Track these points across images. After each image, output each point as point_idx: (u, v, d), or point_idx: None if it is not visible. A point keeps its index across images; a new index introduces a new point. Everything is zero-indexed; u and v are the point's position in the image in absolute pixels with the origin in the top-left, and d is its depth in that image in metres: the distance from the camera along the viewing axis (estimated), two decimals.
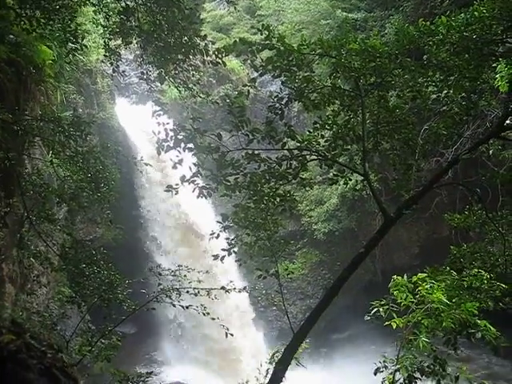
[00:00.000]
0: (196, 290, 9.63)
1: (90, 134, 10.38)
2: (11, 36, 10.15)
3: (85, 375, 11.26)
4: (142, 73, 11.34)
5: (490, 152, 11.46)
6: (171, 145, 6.57)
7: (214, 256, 7.69)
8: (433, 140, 9.35)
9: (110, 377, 10.07)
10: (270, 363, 9.06)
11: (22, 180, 10.55)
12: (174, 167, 6.68)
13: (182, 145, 6.62)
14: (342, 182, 8.51)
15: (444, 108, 9.25)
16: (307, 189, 25.00)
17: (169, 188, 7.00)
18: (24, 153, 11.66)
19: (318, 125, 7.62)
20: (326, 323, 25.16)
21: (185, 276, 9.93)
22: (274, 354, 9.30)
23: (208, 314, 9.64)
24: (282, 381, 7.08)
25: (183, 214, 23.37)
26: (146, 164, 10.83)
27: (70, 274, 10.50)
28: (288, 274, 8.30)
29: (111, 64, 11.47)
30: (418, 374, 7.13)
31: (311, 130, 7.63)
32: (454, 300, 7.33)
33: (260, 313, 24.68)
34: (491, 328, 6.88)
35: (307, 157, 7.41)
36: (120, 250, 20.27)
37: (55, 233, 12.45)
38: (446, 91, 8.74)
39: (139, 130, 22.08)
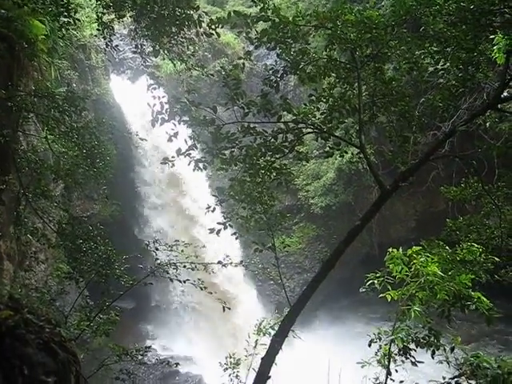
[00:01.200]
0: (193, 265, 9.66)
1: (84, 109, 10.32)
2: (2, 10, 9.96)
3: (84, 350, 11.34)
4: (136, 46, 11.23)
5: (487, 125, 11.43)
6: (166, 118, 6.53)
7: (210, 230, 7.70)
8: (429, 112, 9.32)
9: (109, 351, 10.16)
10: (258, 334, 9.14)
11: (17, 157, 10.50)
12: (170, 140, 6.64)
13: (177, 118, 6.59)
14: (338, 156, 8.48)
15: (441, 80, 9.19)
16: (304, 163, 25.17)
17: (165, 160, 6.96)
18: (19, 129, 11.57)
19: (313, 97, 7.58)
20: (324, 296, 25.43)
21: (182, 251, 9.95)
22: (260, 325, 9.37)
23: (205, 288, 9.67)
24: (278, 352, 7.15)
25: (180, 191, 23.42)
26: (142, 139, 10.79)
27: (68, 250, 10.51)
28: (284, 248, 8.29)
29: (104, 38, 11.33)
30: (412, 345, 7.19)
31: (307, 103, 7.59)
32: (448, 273, 7.36)
33: (258, 287, 24.87)
34: (484, 300, 6.92)
35: (303, 130, 7.37)
36: (117, 226, 20.34)
37: (52, 209, 12.45)
38: (442, 63, 8.68)
39: (135, 106, 21.93)
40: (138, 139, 11.02)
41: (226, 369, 9.47)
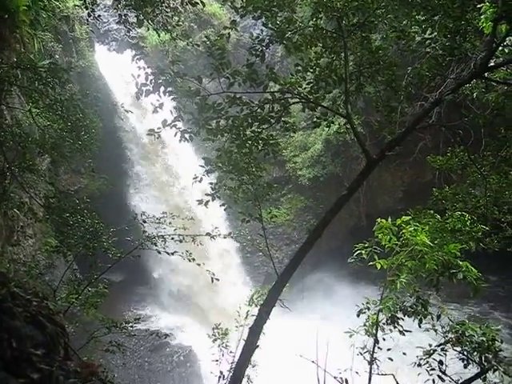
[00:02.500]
0: (181, 237, 9.67)
1: (68, 81, 10.17)
2: None
3: (74, 323, 11.39)
4: (120, 15, 11.01)
5: (474, 95, 11.38)
6: (151, 89, 6.45)
7: (198, 201, 7.67)
8: (416, 82, 9.27)
9: (99, 325, 10.22)
10: (249, 305, 9.19)
11: (1, 131, 10.36)
12: (155, 111, 6.57)
13: (162, 89, 6.50)
14: (325, 126, 8.46)
15: (428, 50, 9.13)
16: (291, 134, 25.11)
17: (150, 132, 6.89)
18: (2, 103, 11.40)
19: (300, 67, 7.51)
20: (312, 267, 25.64)
21: (170, 223, 9.95)
22: (252, 296, 9.42)
23: (193, 259, 9.70)
24: (266, 322, 7.20)
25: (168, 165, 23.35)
26: (127, 111, 10.67)
27: (55, 224, 10.48)
28: (271, 218, 8.29)
29: (86, 8, 11.11)
30: (400, 314, 7.27)
31: (294, 74, 7.52)
32: (436, 242, 7.41)
33: (246, 258, 24.99)
34: (472, 269, 6.98)
35: (289, 100, 7.31)
36: (105, 200, 20.26)
37: (39, 184, 12.35)
38: (429, 32, 8.61)
39: (120, 79, 21.67)
40: (123, 111, 10.84)
41: (215, 339, 9.54)
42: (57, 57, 18.69)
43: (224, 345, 9.35)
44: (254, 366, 9.09)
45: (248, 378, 8.93)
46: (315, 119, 8.05)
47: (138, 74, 6.61)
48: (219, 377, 8.19)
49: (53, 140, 11.08)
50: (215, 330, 9.56)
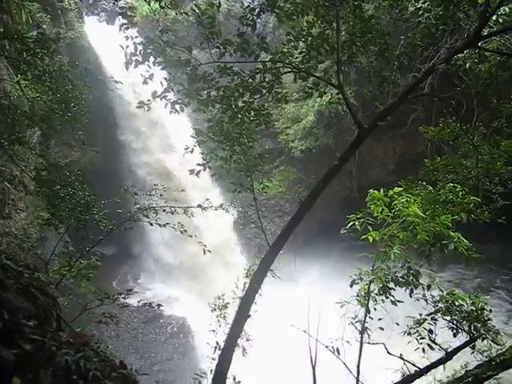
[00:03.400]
0: (172, 209, 9.64)
1: (56, 51, 10.00)
2: None
3: (67, 295, 11.41)
4: None
5: (467, 66, 11.34)
6: (140, 59, 6.34)
7: (189, 171, 7.62)
8: (409, 51, 9.20)
9: (92, 297, 10.25)
10: (247, 277, 9.23)
11: None
12: (145, 82, 6.48)
13: (152, 59, 6.40)
14: (317, 97, 8.39)
15: (421, 19, 9.02)
16: (283, 106, 24.90)
17: (140, 104, 6.81)
18: None
19: (291, 36, 7.41)
20: (304, 239, 25.75)
21: (161, 195, 9.92)
22: (250, 268, 9.46)
23: (185, 231, 9.70)
24: (257, 292, 7.24)
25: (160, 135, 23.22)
26: (117, 82, 10.54)
27: (46, 197, 10.42)
28: (263, 189, 8.26)
29: None
30: (391, 284, 7.34)
31: (285, 43, 7.43)
32: (428, 213, 7.44)
33: (239, 231, 25.05)
34: (464, 240, 7.03)
35: (281, 69, 7.23)
36: (97, 173, 20.17)
37: (29, 157, 12.27)
38: (422, 1, 8.52)
39: (110, 50, 21.35)
40: (113, 83, 10.72)
41: (214, 309, 9.60)
42: (45, 27, 18.36)
43: (222, 316, 9.41)
44: (248, 340, 9.22)
45: (243, 349, 9.05)
46: (307, 89, 7.99)
47: (127, 44, 6.50)
48: (215, 347, 8.27)
49: (42, 112, 10.95)
50: (216, 301, 9.62)
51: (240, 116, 7.37)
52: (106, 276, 18.97)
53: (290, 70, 7.31)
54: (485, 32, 7.77)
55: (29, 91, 11.34)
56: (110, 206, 10.40)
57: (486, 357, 7.45)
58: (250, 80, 7.02)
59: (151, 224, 9.51)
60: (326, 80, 7.65)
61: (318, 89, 7.79)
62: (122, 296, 10.05)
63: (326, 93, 8.08)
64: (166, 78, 6.68)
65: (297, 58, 7.39)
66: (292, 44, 7.41)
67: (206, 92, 6.82)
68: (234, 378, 8.49)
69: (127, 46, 6.45)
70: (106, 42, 21.66)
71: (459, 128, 9.80)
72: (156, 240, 22.96)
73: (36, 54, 9.41)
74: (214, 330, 9.10)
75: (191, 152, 7.43)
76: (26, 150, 11.40)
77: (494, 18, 8.33)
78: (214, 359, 7.32)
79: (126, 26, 6.80)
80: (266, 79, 7.11)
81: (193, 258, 21.57)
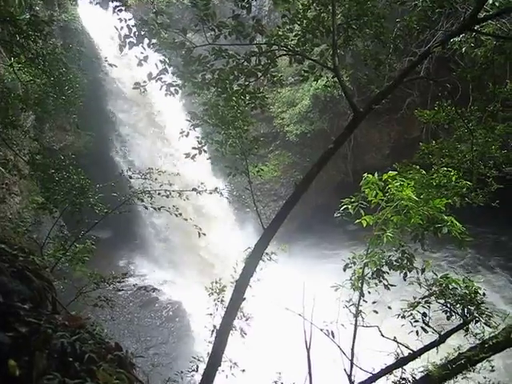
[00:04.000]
0: (167, 192, 9.61)
1: (50, 34, 9.89)
2: None
3: (62, 279, 11.42)
4: None
5: (463, 50, 11.28)
6: (134, 41, 6.28)
7: (185, 154, 7.60)
8: (405, 34, 9.13)
9: (88, 281, 10.26)
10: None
11: None
12: (139, 64, 6.43)
13: (146, 41, 6.35)
14: (313, 80, 8.33)
15: (417, 2, 8.96)
16: (278, 90, 24.77)
17: (136, 85, 6.77)
18: None
19: (287, 19, 7.34)
20: (299, 223, 25.81)
21: (156, 179, 9.88)
22: (245, 251, 9.46)
23: (180, 214, 9.68)
24: (252, 275, 7.26)
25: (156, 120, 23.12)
26: (111, 65, 10.45)
27: (40, 181, 10.37)
28: (258, 172, 8.25)
29: None
30: (385, 268, 7.36)
31: (281, 26, 7.37)
32: (422, 197, 7.44)
33: (234, 214, 25.06)
34: (457, 224, 7.04)
35: (276, 52, 7.18)
36: (92, 157, 20.11)
37: (24, 141, 12.21)
38: None
39: (104, 33, 21.16)
40: (108, 65, 10.62)
41: (211, 293, 9.61)
42: (37, 9, 18.16)
43: (220, 299, 9.42)
44: (247, 320, 9.26)
45: (241, 331, 9.10)
46: (303, 73, 7.95)
47: (122, 26, 6.43)
48: (212, 331, 8.30)
49: (36, 95, 10.87)
50: (213, 284, 9.62)
51: (235, 99, 7.33)
52: (102, 260, 18.95)
53: (285, 52, 7.27)
54: (481, 15, 7.73)
55: (22, 74, 11.24)
56: (105, 190, 10.37)
57: (479, 339, 7.53)
58: (246, 63, 6.98)
59: (146, 208, 9.50)
60: (322, 63, 7.57)
61: (314, 72, 7.74)
62: (118, 280, 10.07)
63: (321, 76, 8.04)
64: (161, 61, 6.63)
65: (292, 40, 7.34)
66: (287, 27, 7.35)
67: (200, 75, 6.78)
68: (231, 361, 8.55)
69: (121, 28, 6.39)
70: (100, 25, 21.50)
71: (454, 112, 9.79)
72: (152, 224, 22.98)
73: (29, 37, 9.29)
74: (211, 314, 9.12)
75: (186, 136, 7.41)
76: (19, 133, 11.33)
77: (491, 1, 8.29)
78: (210, 342, 7.35)
79: (119, 8, 6.73)
80: (262, 62, 7.07)
81: (189, 242, 21.63)
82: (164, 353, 19.58)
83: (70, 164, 9.97)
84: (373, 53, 8.71)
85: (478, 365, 7.46)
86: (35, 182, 11.71)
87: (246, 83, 7.24)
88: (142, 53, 6.43)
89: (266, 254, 7.41)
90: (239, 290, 7.15)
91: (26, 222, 11.92)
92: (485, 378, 8.13)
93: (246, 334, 9.11)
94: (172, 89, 6.77)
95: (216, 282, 9.69)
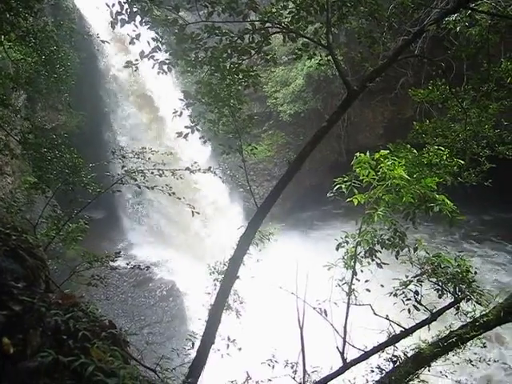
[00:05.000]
0: (160, 171, 9.55)
1: (40, 11, 9.75)
2: None
3: (56, 259, 11.42)
4: None
5: (457, 29, 11.21)
6: (126, 18, 6.20)
7: (177, 133, 7.55)
8: (399, 12, 9.06)
9: (81, 261, 10.26)
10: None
11: None
12: (132, 42, 6.36)
13: (139, 18, 6.26)
14: (306, 59, 8.26)
15: None
16: (272, 70, 24.59)
17: (128, 64, 6.70)
18: None
19: None
20: (293, 203, 25.85)
21: (149, 159, 9.82)
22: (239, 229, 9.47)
23: (174, 193, 9.64)
24: (245, 253, 7.27)
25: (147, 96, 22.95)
26: (103, 41, 10.34)
27: (32, 160, 10.30)
28: (251, 150, 8.18)
29: None
30: (378, 247, 7.38)
31: (274, 3, 7.29)
32: (414, 176, 7.44)
33: (227, 194, 25.03)
34: (448, 202, 7.05)
35: (270, 30, 7.11)
36: (84, 137, 20.00)
37: (15, 121, 12.11)
38: None
39: (96, 11, 20.84)
40: (100, 42, 10.51)
41: (212, 272, 9.64)
42: None
43: (219, 279, 9.44)
44: (241, 303, 9.32)
45: (237, 312, 9.16)
46: (296, 51, 7.88)
47: (113, 3, 6.34)
48: (210, 309, 8.34)
49: (27, 74, 10.75)
50: (217, 264, 9.63)
51: (228, 78, 7.27)
52: (95, 240, 18.97)
53: (279, 30, 7.19)
54: None
55: (13, 53, 11.11)
56: (98, 169, 10.31)
57: (470, 318, 7.61)
58: (239, 41, 6.90)
59: (139, 187, 9.45)
60: (316, 41, 7.49)
61: (308, 50, 7.68)
62: (111, 258, 10.07)
63: (315, 55, 7.97)
64: (153, 38, 6.56)
65: (286, 18, 7.25)
66: (281, 4, 7.27)
67: (193, 53, 6.71)
68: (229, 338, 8.62)
69: (113, 5, 6.30)
70: (91, 3, 21.19)
71: (448, 91, 9.76)
72: (146, 204, 22.97)
73: (19, 14, 9.15)
74: (209, 293, 9.16)
75: (179, 115, 7.35)
76: (11, 113, 11.22)
77: None
78: (206, 322, 7.40)
79: None
80: (255, 40, 7.00)
81: (181, 221, 21.67)
82: (158, 332, 19.70)
83: (62, 143, 9.89)
84: (367, 31, 8.63)
85: (469, 343, 7.57)
86: (27, 161, 11.64)
87: (239, 61, 7.17)
88: (134, 31, 6.35)
89: (259, 231, 7.43)
90: (233, 268, 7.18)
91: (19, 202, 11.85)
92: (475, 353, 8.24)
93: (241, 315, 9.17)
94: (165, 67, 6.70)
95: (220, 263, 9.71)
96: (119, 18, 6.24)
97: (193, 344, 7.87)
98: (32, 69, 10.69)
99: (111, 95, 22.90)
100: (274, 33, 7.25)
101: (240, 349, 8.93)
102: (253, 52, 6.99)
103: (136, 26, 6.38)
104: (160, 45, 6.57)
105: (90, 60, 21.00)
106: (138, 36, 6.37)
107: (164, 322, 20.17)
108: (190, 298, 20.05)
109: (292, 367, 8.16)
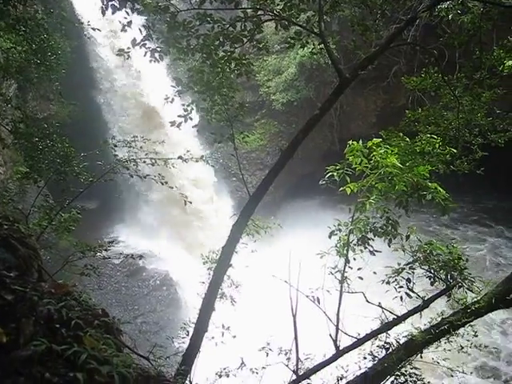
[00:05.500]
0: (153, 160, 9.53)
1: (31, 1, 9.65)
2: None
3: (48, 249, 11.37)
4: None
5: (450, 17, 11.18)
6: (117, 4, 6.14)
7: (171, 123, 7.52)
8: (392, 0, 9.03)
9: (74, 251, 10.23)
10: None
11: None
12: (123, 30, 6.31)
13: (129, 6, 6.21)
14: (299, 50, 8.24)
15: None
16: (264, 58, 24.45)
17: (120, 52, 6.65)
18: None
19: None
20: (285, 191, 25.86)
21: (141, 147, 9.79)
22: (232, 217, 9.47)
23: (166, 183, 9.62)
24: (238, 241, 7.28)
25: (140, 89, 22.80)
26: (94, 29, 10.26)
27: (24, 149, 10.23)
28: (243, 138, 8.15)
29: None
30: (370, 235, 7.39)
31: None
32: (407, 164, 7.44)
33: (220, 184, 25.02)
34: (441, 190, 7.06)
35: (262, 18, 7.07)
36: (76, 126, 19.85)
37: (6, 111, 12.00)
38: None
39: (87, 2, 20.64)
40: (91, 29, 10.40)
41: (206, 262, 9.64)
42: None
43: (212, 268, 9.44)
44: (237, 287, 9.33)
45: (232, 299, 9.18)
46: (289, 39, 7.84)
47: None
48: (203, 298, 8.35)
49: (17, 63, 10.65)
50: (210, 253, 9.62)
51: (221, 65, 7.24)
52: (88, 231, 18.91)
53: (271, 18, 7.16)
54: None
55: (2, 42, 11.01)
56: (90, 159, 10.26)
57: (462, 305, 7.67)
58: (231, 28, 6.87)
59: (131, 176, 9.42)
60: (308, 29, 7.46)
61: (300, 39, 7.65)
62: (104, 248, 10.05)
63: (307, 43, 7.93)
64: (144, 26, 6.51)
65: (278, 5, 7.21)
66: None
67: (185, 40, 6.67)
68: (223, 326, 8.63)
69: None
70: None
71: (441, 79, 9.76)
72: (139, 193, 22.91)
73: (8, 2, 9.05)
74: (203, 282, 9.16)
75: (171, 102, 7.32)
76: (1, 102, 11.14)
77: None
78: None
79: None
80: (247, 28, 6.96)
81: (175, 211, 21.64)
82: (152, 321, 19.74)
83: (53, 133, 9.83)
84: (360, 19, 8.60)
85: (461, 329, 7.63)
86: (19, 151, 11.56)
87: (232, 49, 7.14)
88: (125, 18, 6.30)
89: (252, 219, 7.43)
90: (225, 256, 7.19)
91: (11, 191, 11.79)
92: (468, 340, 8.30)
93: (236, 301, 9.19)
94: (156, 54, 6.66)
95: (213, 252, 9.70)
96: (110, 3, 6.18)
97: (188, 332, 7.88)
98: (22, 58, 10.59)
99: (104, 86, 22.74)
100: (266, 20, 7.21)
101: (234, 336, 8.95)
102: (245, 40, 6.96)
103: (127, 13, 6.33)
104: (151, 32, 6.52)
105: (80, 46, 20.81)
106: (129, 23, 6.32)
107: (158, 312, 20.20)
108: (184, 288, 20.08)
109: (285, 354, 8.20)
